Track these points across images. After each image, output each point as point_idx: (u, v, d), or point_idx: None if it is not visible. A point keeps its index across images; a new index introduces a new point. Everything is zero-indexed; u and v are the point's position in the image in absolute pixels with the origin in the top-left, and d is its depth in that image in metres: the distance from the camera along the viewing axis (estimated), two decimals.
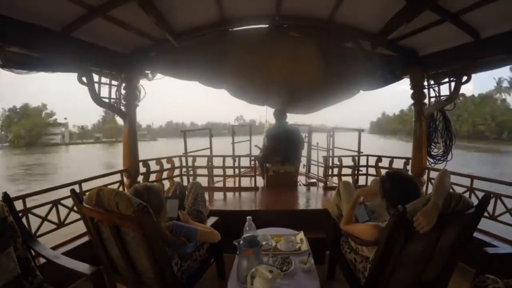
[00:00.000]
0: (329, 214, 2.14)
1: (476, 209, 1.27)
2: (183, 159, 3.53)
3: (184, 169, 3.52)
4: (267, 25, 2.91)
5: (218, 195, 3.26)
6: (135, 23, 2.23)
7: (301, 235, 1.90)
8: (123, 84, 2.73)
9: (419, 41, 2.55)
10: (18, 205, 1.73)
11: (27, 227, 1.79)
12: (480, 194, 2.02)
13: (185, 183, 3.30)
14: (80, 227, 2.10)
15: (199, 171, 3.49)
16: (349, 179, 3.42)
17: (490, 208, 2.20)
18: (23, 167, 23.27)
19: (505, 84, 43.43)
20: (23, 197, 1.91)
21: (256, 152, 4.07)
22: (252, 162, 3.63)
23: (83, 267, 1.29)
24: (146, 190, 1.51)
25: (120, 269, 1.53)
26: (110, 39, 2.39)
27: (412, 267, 1.31)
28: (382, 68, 2.96)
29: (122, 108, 2.76)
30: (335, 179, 3.58)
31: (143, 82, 2.94)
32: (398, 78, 3.02)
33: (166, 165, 3.35)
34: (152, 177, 3.18)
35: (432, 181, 2.84)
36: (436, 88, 2.85)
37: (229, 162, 3.56)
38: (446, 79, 2.71)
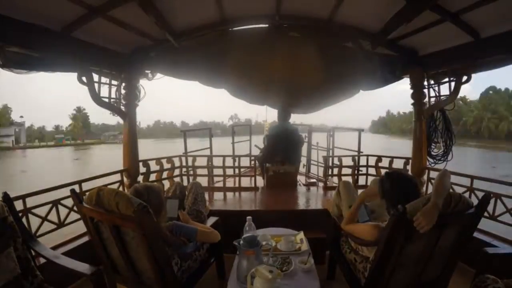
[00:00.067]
0: (329, 214, 2.14)
1: (476, 209, 1.27)
2: (183, 159, 3.53)
3: (184, 169, 3.52)
4: (267, 25, 2.91)
5: (218, 195, 3.26)
6: (135, 23, 2.23)
7: (301, 235, 1.90)
8: (123, 84, 2.73)
9: (419, 41, 2.55)
10: (18, 205, 1.74)
11: (27, 227, 1.79)
12: (480, 194, 2.02)
13: (185, 183, 3.31)
14: (80, 227, 2.10)
15: (199, 171, 3.49)
16: (349, 179, 3.43)
17: (490, 208, 2.20)
18: None
19: None
20: (23, 197, 1.91)
21: (255, 152, 4.07)
22: (252, 162, 3.63)
23: (83, 267, 1.29)
24: (146, 190, 1.50)
25: (120, 269, 1.53)
26: (110, 39, 2.39)
27: (412, 267, 1.31)
28: (382, 68, 2.96)
29: (122, 108, 2.76)
30: (335, 179, 3.59)
31: (143, 82, 2.95)
32: (398, 78, 3.02)
33: (166, 165, 3.35)
34: (152, 177, 3.18)
35: (432, 181, 2.84)
36: (436, 88, 2.85)
37: (229, 162, 3.57)
38: (446, 79, 2.71)
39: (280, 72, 3.18)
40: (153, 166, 3.21)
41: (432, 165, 3.03)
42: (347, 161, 3.53)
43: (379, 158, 3.45)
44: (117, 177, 2.81)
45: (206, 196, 2.39)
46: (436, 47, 2.55)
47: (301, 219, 2.63)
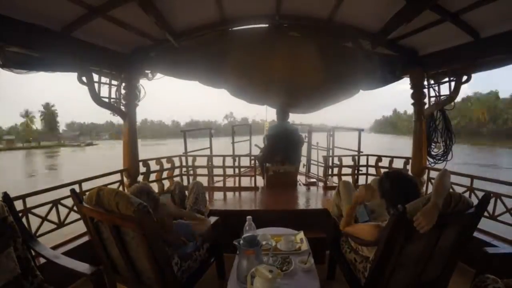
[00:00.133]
0: (329, 214, 2.14)
1: (476, 209, 1.27)
2: (183, 158, 3.53)
3: (184, 169, 3.52)
4: (267, 25, 2.91)
5: (218, 195, 3.26)
6: (135, 23, 2.23)
7: (301, 235, 1.90)
8: (123, 84, 2.73)
9: (419, 40, 2.55)
10: (18, 205, 1.73)
11: (27, 227, 1.79)
12: (480, 194, 2.02)
13: (185, 183, 3.31)
14: (80, 227, 2.10)
15: (199, 171, 3.49)
16: (349, 178, 3.43)
17: (490, 208, 2.20)
18: None
19: None
20: (23, 197, 1.91)
21: (255, 151, 4.07)
22: (252, 162, 3.63)
23: (83, 267, 1.29)
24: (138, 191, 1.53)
25: (120, 269, 1.53)
26: (110, 39, 2.39)
27: (412, 267, 1.31)
28: (382, 68, 2.96)
29: (122, 108, 2.76)
30: (335, 179, 3.59)
31: (143, 82, 2.95)
32: (398, 77, 3.02)
33: (166, 165, 3.35)
34: (152, 177, 3.18)
35: (432, 181, 2.84)
36: (436, 88, 2.85)
37: (229, 162, 3.57)
38: (446, 79, 2.71)
39: (280, 72, 3.19)
40: (153, 166, 3.21)
41: (432, 165, 3.03)
42: (347, 161, 3.53)
43: (379, 158, 3.45)
44: (117, 177, 2.81)
45: (206, 196, 2.39)
46: (436, 47, 2.55)
47: (301, 219, 2.63)
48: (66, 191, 1.75)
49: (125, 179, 2.85)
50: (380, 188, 1.50)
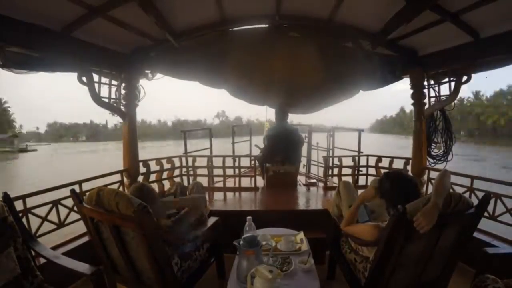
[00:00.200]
0: (329, 214, 2.14)
1: (476, 209, 1.27)
2: (183, 159, 3.53)
3: (184, 169, 3.52)
4: (267, 25, 2.91)
5: (218, 195, 3.26)
6: (135, 23, 2.23)
7: (301, 235, 1.90)
8: (123, 84, 2.73)
9: (419, 41, 2.55)
10: (18, 205, 1.74)
11: (27, 227, 1.79)
12: (480, 194, 2.02)
13: (185, 183, 3.31)
14: (80, 227, 2.10)
15: (199, 171, 3.49)
16: (349, 179, 3.43)
17: (490, 208, 2.20)
18: None
19: None
20: (23, 197, 1.91)
21: (255, 151, 4.07)
22: (252, 162, 3.63)
23: (83, 267, 1.29)
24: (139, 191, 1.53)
25: (120, 269, 1.53)
26: (110, 39, 2.39)
27: (412, 267, 1.31)
28: (382, 68, 2.96)
29: (122, 108, 2.76)
30: (335, 179, 3.58)
31: (143, 82, 2.95)
32: (398, 78, 3.02)
33: (166, 165, 3.35)
34: (152, 177, 3.18)
35: (432, 181, 2.84)
36: (436, 88, 2.85)
37: (229, 162, 3.57)
38: (446, 79, 2.71)
39: (280, 72, 3.19)
40: (153, 166, 3.21)
41: (432, 165, 3.03)
42: (347, 161, 3.53)
43: (379, 158, 3.45)
44: (117, 177, 2.82)
45: (206, 196, 2.39)
46: (436, 47, 2.55)
47: (301, 219, 2.63)
48: (66, 191, 1.75)
49: (125, 179, 2.85)
50: (380, 189, 1.50)
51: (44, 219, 2.06)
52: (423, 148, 2.91)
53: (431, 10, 1.93)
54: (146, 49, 2.72)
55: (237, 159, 3.57)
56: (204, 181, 3.04)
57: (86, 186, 2.31)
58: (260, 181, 3.68)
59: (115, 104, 2.70)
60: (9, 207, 1.42)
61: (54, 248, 2.00)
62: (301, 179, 4.12)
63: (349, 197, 1.90)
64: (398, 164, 3.31)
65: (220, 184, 3.58)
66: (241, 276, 1.36)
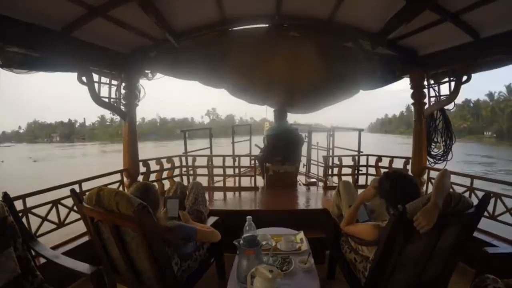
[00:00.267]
0: (329, 214, 2.14)
1: (476, 209, 1.27)
2: (183, 158, 3.53)
3: (184, 169, 3.52)
4: (267, 25, 2.91)
5: (218, 195, 3.26)
6: (135, 23, 2.23)
7: (301, 235, 1.90)
8: (123, 84, 2.74)
9: (419, 41, 2.55)
10: (18, 205, 1.74)
11: (27, 227, 1.79)
12: (480, 194, 2.02)
13: (185, 182, 3.31)
14: (80, 227, 2.10)
15: (199, 171, 3.49)
16: (349, 178, 3.43)
17: (490, 208, 2.20)
18: None
19: None
20: (23, 197, 1.91)
21: (255, 151, 4.07)
22: (252, 162, 3.63)
23: (83, 267, 1.29)
24: (141, 189, 1.52)
25: (120, 269, 1.53)
26: (110, 39, 2.39)
27: (412, 267, 1.31)
28: (382, 68, 2.96)
29: (122, 108, 2.76)
30: (335, 179, 3.59)
31: (143, 82, 2.95)
32: (398, 78, 3.02)
33: (166, 165, 3.35)
34: (152, 177, 3.18)
35: (432, 181, 2.84)
36: (436, 88, 2.85)
37: (229, 162, 3.57)
38: (446, 79, 2.71)
39: (280, 72, 3.19)
40: (153, 166, 3.21)
41: (432, 164, 3.03)
42: (347, 161, 3.54)
43: (379, 158, 3.45)
44: (117, 177, 2.82)
45: (206, 196, 2.39)
46: (436, 47, 2.55)
47: (301, 219, 2.63)
48: (66, 191, 1.75)
49: (125, 179, 2.85)
50: (380, 188, 1.50)
51: (44, 219, 2.06)
52: (423, 148, 2.92)
53: (431, 10, 1.93)
54: (146, 49, 2.72)
55: (237, 158, 3.57)
56: (204, 181, 3.05)
57: (86, 186, 2.31)
58: (260, 181, 3.68)
59: (115, 104, 2.70)
60: (9, 207, 1.42)
61: (54, 248, 2.00)
62: (301, 178, 4.12)
63: (349, 197, 1.90)
64: (398, 164, 3.31)
65: (220, 184, 3.58)
66: (241, 276, 1.36)
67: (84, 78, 2.26)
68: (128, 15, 2.06)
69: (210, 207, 2.54)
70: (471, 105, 53.22)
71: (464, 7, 1.87)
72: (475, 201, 1.30)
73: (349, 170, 3.51)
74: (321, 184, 3.70)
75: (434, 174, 2.85)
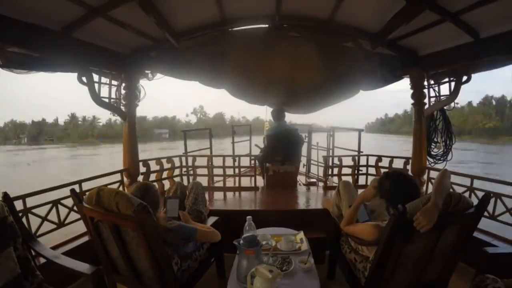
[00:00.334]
0: (329, 214, 2.14)
1: (476, 209, 1.27)
2: (183, 158, 3.53)
3: (184, 169, 3.52)
4: (267, 25, 2.91)
5: (218, 195, 3.26)
6: (135, 23, 2.23)
7: (301, 234, 1.90)
8: (123, 84, 2.74)
9: (419, 41, 2.55)
10: (18, 205, 1.74)
11: (27, 227, 1.79)
12: (480, 194, 2.02)
13: (185, 182, 3.31)
14: (80, 227, 2.10)
15: (199, 171, 3.49)
16: (349, 178, 3.43)
17: (490, 208, 2.20)
18: None
19: None
20: (23, 197, 1.91)
21: (255, 151, 4.07)
22: (252, 162, 3.63)
23: (83, 267, 1.29)
24: (141, 189, 1.52)
25: (120, 269, 1.53)
26: (110, 39, 2.39)
27: (412, 267, 1.31)
28: (382, 68, 2.96)
29: (122, 108, 2.76)
30: (335, 179, 3.59)
31: (143, 82, 2.95)
32: (398, 78, 3.02)
33: (166, 165, 3.35)
34: (152, 177, 3.18)
35: (432, 181, 2.84)
36: (436, 88, 2.85)
37: (229, 162, 3.57)
38: (446, 79, 2.72)
39: (280, 72, 3.19)
40: (153, 166, 3.21)
41: (432, 165, 3.03)
42: (347, 161, 3.54)
43: (379, 158, 3.45)
44: (117, 177, 2.82)
45: (206, 196, 2.39)
46: (436, 47, 2.55)
47: (301, 219, 2.63)
48: (66, 191, 1.75)
49: (125, 179, 2.85)
50: (380, 188, 1.51)
51: (44, 219, 2.06)
52: (423, 148, 2.92)
53: (431, 10, 1.93)
54: (146, 49, 2.72)
55: (237, 158, 3.57)
56: (204, 181, 3.05)
57: (86, 186, 2.31)
58: (260, 181, 3.68)
59: (115, 104, 2.71)
60: (9, 207, 1.42)
61: (54, 248, 2.00)
62: (301, 178, 4.12)
63: (349, 197, 1.90)
64: (398, 164, 3.31)
65: (220, 184, 3.58)
66: (241, 276, 1.36)
67: (84, 78, 2.26)
68: (128, 15, 2.06)
69: (210, 207, 2.54)
70: (493, 102, 47.42)
71: (464, 7, 1.87)
72: (475, 201, 1.30)
73: (349, 170, 3.51)
74: (321, 184, 3.69)
75: (434, 174, 2.85)
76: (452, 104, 2.82)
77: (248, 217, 1.77)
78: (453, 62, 2.48)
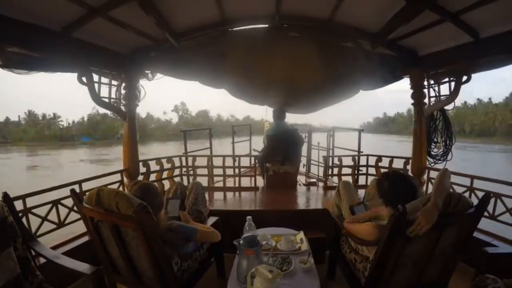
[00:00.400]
0: (329, 214, 2.14)
1: (476, 209, 1.27)
2: (183, 159, 3.53)
3: (184, 169, 3.52)
4: (267, 25, 2.91)
5: (218, 195, 3.26)
6: (135, 23, 2.23)
7: (301, 235, 1.90)
8: (123, 84, 2.74)
9: (419, 41, 2.55)
10: (18, 205, 1.74)
11: (27, 227, 1.79)
12: (480, 194, 2.02)
13: (185, 183, 3.31)
14: (80, 227, 2.10)
15: (199, 171, 3.49)
16: (349, 178, 3.43)
17: (490, 208, 2.20)
18: None
19: None
20: (23, 197, 1.91)
21: (254, 151, 4.07)
22: (252, 162, 3.63)
23: (83, 267, 1.29)
24: (143, 190, 1.51)
25: (120, 269, 1.54)
26: (110, 39, 2.39)
27: (412, 267, 1.31)
28: (382, 68, 2.96)
29: (122, 108, 2.76)
30: (335, 179, 3.59)
31: (143, 82, 2.95)
32: (398, 78, 3.02)
33: (166, 165, 3.35)
34: (152, 177, 3.18)
35: (432, 181, 2.84)
36: (436, 88, 2.85)
37: (229, 162, 3.57)
38: (446, 79, 2.71)
39: (280, 72, 3.19)
40: (153, 166, 3.21)
41: (432, 165, 3.03)
42: (347, 161, 3.54)
43: (379, 158, 3.45)
44: (117, 177, 2.82)
45: (206, 196, 2.39)
46: (436, 47, 2.55)
47: (301, 219, 2.63)
48: (66, 191, 1.75)
49: (125, 179, 2.85)
50: (379, 188, 1.51)
51: (44, 219, 2.06)
52: (423, 148, 2.92)
53: (431, 10, 1.93)
54: (146, 49, 2.72)
55: (237, 159, 3.57)
56: (204, 181, 3.05)
57: (86, 186, 2.31)
58: (260, 181, 3.68)
59: (115, 104, 2.71)
60: (9, 207, 1.42)
61: (54, 248, 2.00)
62: (301, 178, 4.12)
63: (349, 197, 1.90)
64: (398, 164, 3.31)
65: (220, 184, 3.58)
66: (241, 276, 1.36)
67: (84, 79, 2.26)
68: (128, 15, 2.06)
69: (210, 207, 2.54)
70: None
71: (464, 7, 1.87)
72: (475, 201, 1.30)
73: (349, 170, 3.51)
74: (321, 184, 3.70)
75: (434, 174, 2.85)
76: (452, 104, 2.82)
77: (248, 217, 1.77)
78: (453, 62, 2.48)
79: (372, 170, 3.52)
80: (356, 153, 3.72)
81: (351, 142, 4.00)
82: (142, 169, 3.02)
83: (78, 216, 2.02)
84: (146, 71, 2.93)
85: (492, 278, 1.16)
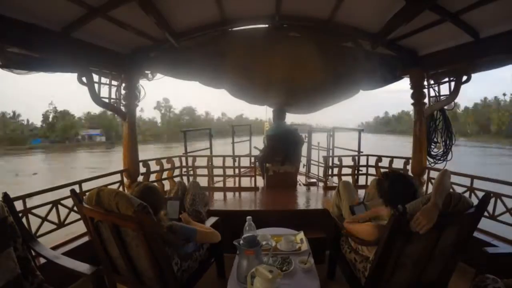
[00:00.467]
0: (329, 214, 2.14)
1: (476, 209, 1.27)
2: (183, 159, 3.53)
3: (184, 169, 3.52)
4: (267, 25, 2.91)
5: (218, 195, 3.26)
6: (135, 23, 2.23)
7: (301, 235, 1.90)
8: (123, 84, 2.74)
9: (419, 41, 2.55)
10: (18, 206, 1.74)
11: (27, 227, 1.79)
12: (480, 194, 2.02)
13: (185, 183, 3.31)
14: (80, 227, 2.10)
15: (199, 171, 3.49)
16: (349, 179, 3.43)
17: (490, 208, 2.20)
18: None
19: None
20: (23, 198, 1.91)
21: (254, 151, 4.07)
22: (252, 162, 3.63)
23: (83, 267, 1.29)
24: (144, 191, 1.51)
25: (120, 269, 1.54)
26: (110, 39, 2.39)
27: (412, 267, 1.31)
28: (382, 68, 2.96)
29: (122, 108, 2.76)
30: (335, 179, 3.59)
31: (143, 82, 2.95)
32: (398, 78, 3.02)
33: (166, 165, 3.35)
34: (152, 177, 3.18)
35: (432, 181, 2.84)
36: (436, 88, 2.85)
37: (229, 162, 3.57)
38: (446, 79, 2.71)
39: (280, 72, 3.19)
40: (153, 166, 3.21)
41: (432, 165, 3.03)
42: (347, 161, 3.54)
43: (379, 158, 3.45)
44: (117, 177, 2.82)
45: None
46: (436, 47, 2.55)
47: (301, 219, 2.63)
48: (66, 192, 1.75)
49: (125, 180, 2.85)
50: (379, 188, 1.51)
51: (44, 219, 2.06)
52: (423, 148, 2.92)
53: (431, 10, 1.93)
54: (146, 49, 2.72)
55: (237, 159, 3.57)
56: (204, 181, 3.05)
57: (86, 186, 2.31)
58: (260, 181, 3.68)
59: (115, 105, 2.71)
60: (9, 207, 1.42)
61: (54, 248, 2.00)
62: (301, 179, 4.12)
63: (349, 197, 1.90)
64: (398, 164, 3.31)
65: (220, 184, 3.58)
66: (241, 276, 1.36)
67: (84, 79, 2.25)
68: (128, 15, 2.06)
69: (210, 207, 2.54)
70: None
71: (464, 7, 1.87)
72: (475, 201, 1.30)
73: (349, 170, 3.51)
74: (321, 184, 3.70)
75: (434, 174, 2.85)
76: (452, 104, 2.82)
77: (248, 217, 1.77)
78: (453, 62, 2.48)
79: (372, 170, 3.52)
80: (356, 153, 3.72)
81: (351, 142, 4.00)
82: (142, 170, 3.02)
83: (78, 216, 2.03)
84: (146, 71, 2.93)
85: (492, 278, 1.16)
